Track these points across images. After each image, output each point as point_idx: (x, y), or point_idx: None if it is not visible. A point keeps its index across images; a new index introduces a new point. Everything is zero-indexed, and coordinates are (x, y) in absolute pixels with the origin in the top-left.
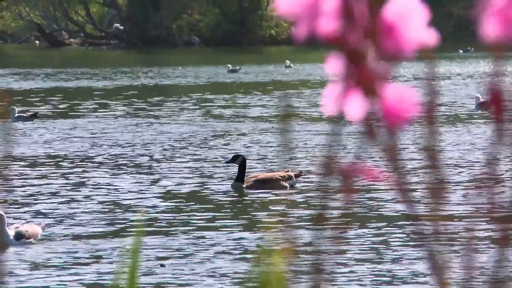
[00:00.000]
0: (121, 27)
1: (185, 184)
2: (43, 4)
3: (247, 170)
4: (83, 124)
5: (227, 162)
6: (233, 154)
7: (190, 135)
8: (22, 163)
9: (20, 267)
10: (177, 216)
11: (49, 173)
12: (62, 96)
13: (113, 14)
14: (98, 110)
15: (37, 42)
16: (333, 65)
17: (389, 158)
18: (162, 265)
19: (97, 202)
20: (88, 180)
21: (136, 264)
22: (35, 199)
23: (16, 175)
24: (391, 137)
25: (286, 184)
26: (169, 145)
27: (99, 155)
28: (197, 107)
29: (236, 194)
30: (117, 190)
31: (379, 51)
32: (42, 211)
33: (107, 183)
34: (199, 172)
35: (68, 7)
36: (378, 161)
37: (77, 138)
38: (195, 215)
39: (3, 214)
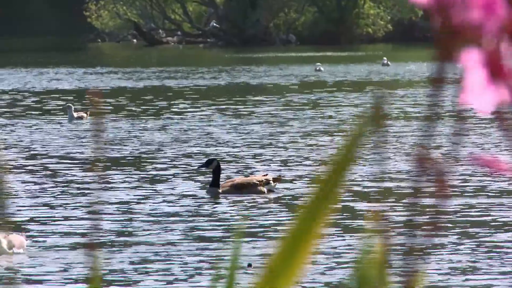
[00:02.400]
0: (218, 26)
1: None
2: (141, 3)
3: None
4: (155, 123)
5: (200, 167)
6: (207, 159)
7: (274, 135)
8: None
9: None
10: (143, 225)
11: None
12: (153, 95)
13: (210, 12)
14: (186, 109)
15: (134, 40)
16: (468, 58)
17: None
18: (249, 265)
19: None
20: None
21: (235, 270)
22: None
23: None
24: None
25: (264, 189)
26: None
27: (160, 156)
28: (293, 106)
29: (213, 199)
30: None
31: None
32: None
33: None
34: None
35: (165, 6)
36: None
37: (148, 138)
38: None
39: None
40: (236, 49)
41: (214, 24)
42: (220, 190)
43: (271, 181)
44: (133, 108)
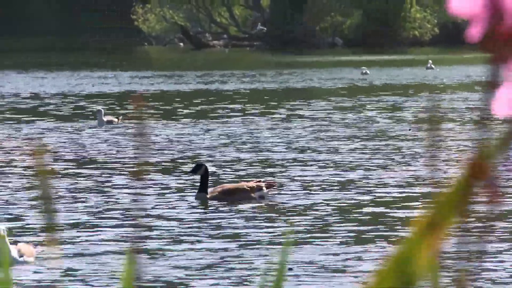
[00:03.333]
0: (264, 29)
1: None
2: (187, 7)
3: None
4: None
5: (188, 173)
6: (195, 164)
7: (317, 140)
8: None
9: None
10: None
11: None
12: (198, 98)
13: (256, 16)
14: (232, 113)
15: (181, 44)
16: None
17: None
18: (290, 269)
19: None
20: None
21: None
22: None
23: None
24: None
25: (255, 195)
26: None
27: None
28: (337, 109)
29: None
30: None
31: None
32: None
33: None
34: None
35: (211, 9)
36: None
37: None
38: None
39: (3, 228)
40: (282, 52)
41: (260, 27)
42: (208, 196)
43: (263, 188)
44: (178, 112)
